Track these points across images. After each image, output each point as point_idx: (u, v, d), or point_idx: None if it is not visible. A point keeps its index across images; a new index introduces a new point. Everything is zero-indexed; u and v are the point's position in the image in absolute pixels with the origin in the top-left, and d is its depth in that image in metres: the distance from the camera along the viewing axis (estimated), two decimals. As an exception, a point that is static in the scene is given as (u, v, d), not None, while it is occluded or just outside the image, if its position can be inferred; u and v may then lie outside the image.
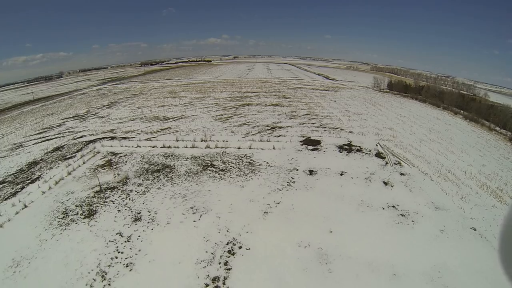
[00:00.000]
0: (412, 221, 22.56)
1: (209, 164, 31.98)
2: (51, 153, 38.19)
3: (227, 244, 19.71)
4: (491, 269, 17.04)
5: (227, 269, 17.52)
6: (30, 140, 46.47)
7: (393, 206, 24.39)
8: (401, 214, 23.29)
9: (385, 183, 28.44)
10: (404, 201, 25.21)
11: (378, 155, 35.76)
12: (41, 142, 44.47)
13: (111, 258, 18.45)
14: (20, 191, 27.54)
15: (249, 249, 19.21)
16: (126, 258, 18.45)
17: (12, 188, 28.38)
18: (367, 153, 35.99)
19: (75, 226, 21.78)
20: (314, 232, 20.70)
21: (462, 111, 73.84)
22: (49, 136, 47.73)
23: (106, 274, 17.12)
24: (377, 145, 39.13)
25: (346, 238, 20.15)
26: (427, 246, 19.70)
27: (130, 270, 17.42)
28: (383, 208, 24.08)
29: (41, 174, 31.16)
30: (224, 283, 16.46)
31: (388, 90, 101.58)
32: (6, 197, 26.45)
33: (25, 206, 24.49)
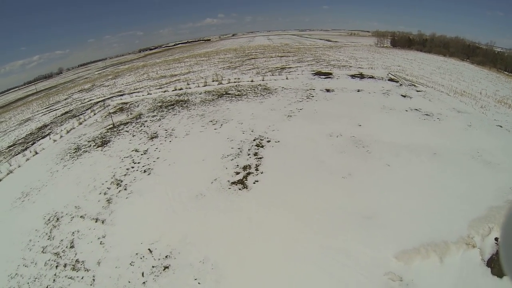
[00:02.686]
0: (438, 118, 22.23)
1: (224, 93, 31.48)
2: (60, 116, 37.40)
3: (254, 140, 19.18)
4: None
5: (258, 158, 16.82)
6: (38, 114, 45.80)
7: (416, 109, 24.04)
8: (425, 114, 22.95)
9: (403, 96, 28.04)
10: (425, 107, 24.87)
11: (391, 80, 35.22)
12: (48, 113, 43.70)
13: (127, 169, 17.69)
14: (31, 146, 26.82)
15: (279, 141, 18.72)
16: (143, 166, 17.71)
17: (23, 146, 27.76)
18: (380, 79, 35.35)
19: (88, 154, 21.16)
20: (342, 126, 20.29)
21: (468, 59, 73.10)
22: (56, 108, 46.90)
23: (121, 181, 16.36)
24: (388, 74, 38.55)
25: (377, 129, 19.76)
26: (459, 135, 19.33)
27: (148, 175, 16.68)
28: (406, 110, 23.74)
29: (51, 131, 30.42)
30: (257, 169, 15.68)
31: (392, 46, 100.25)
32: (17, 153, 25.74)
33: (36, 153, 23.84)
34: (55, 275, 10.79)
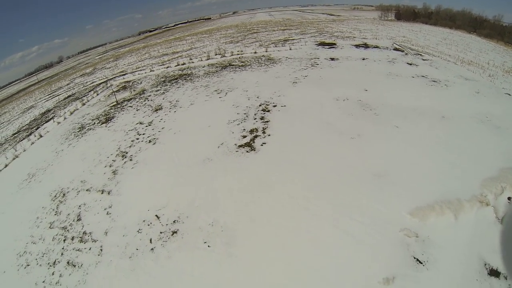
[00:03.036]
0: (445, 84, 21.82)
1: (227, 65, 31.16)
2: (63, 100, 37.19)
3: (260, 105, 19.03)
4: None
5: (265, 122, 16.69)
6: (41, 101, 45.48)
7: (423, 76, 23.61)
8: (432, 80, 22.55)
9: (409, 64, 27.46)
10: (432, 74, 24.38)
11: (396, 49, 34.48)
12: (51, 99, 43.34)
13: (132, 141, 17.66)
14: (36, 130, 26.57)
15: (285, 106, 18.57)
16: (148, 137, 17.68)
17: (27, 132, 27.58)
18: (384, 49, 34.60)
19: (92, 132, 21.10)
20: (348, 91, 20.00)
21: (475, 31, 71.50)
22: (59, 93, 46.58)
23: (126, 153, 16.33)
24: (393, 44, 37.77)
25: (383, 94, 19.45)
26: (467, 100, 18.88)
27: (154, 144, 16.64)
28: (413, 77, 23.33)
29: (55, 114, 30.19)
30: (264, 132, 15.54)
31: (396, 20, 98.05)
32: (22, 139, 25.55)
33: (41, 136, 23.72)
34: (63, 248, 10.82)
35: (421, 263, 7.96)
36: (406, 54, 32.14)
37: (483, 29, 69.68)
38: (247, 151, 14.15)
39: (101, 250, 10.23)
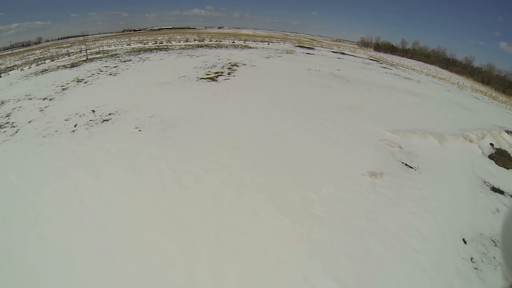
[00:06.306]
0: (418, 81, 22.91)
1: (204, 45, 30.42)
2: (34, 58, 34.87)
3: (229, 63, 18.40)
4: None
5: (232, 70, 16.19)
6: (10, 61, 42.50)
7: (396, 74, 23.93)
8: (405, 78, 23.02)
9: (383, 67, 27.92)
10: (405, 75, 25.11)
11: (372, 60, 35.31)
12: (21, 60, 40.67)
13: (92, 74, 16.47)
14: None
15: (255, 66, 18.12)
16: (109, 73, 16.59)
17: None
18: (360, 58, 35.55)
19: (55, 72, 19.37)
20: (321, 68, 19.78)
21: (447, 68, 75.03)
22: (30, 57, 43.92)
23: (83, 79, 15.23)
24: (369, 57, 38.78)
25: (356, 74, 19.44)
26: (439, 91, 19.67)
27: (114, 76, 15.68)
28: (386, 73, 23.62)
29: (22, 68, 28.13)
30: (229, 74, 15.08)
31: (375, 51, 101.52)
32: None
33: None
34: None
35: (412, 167, 7.10)
36: (382, 63, 32.71)
37: (454, 67, 73.19)
38: (208, 81, 13.57)
39: (16, 132, 8.94)
